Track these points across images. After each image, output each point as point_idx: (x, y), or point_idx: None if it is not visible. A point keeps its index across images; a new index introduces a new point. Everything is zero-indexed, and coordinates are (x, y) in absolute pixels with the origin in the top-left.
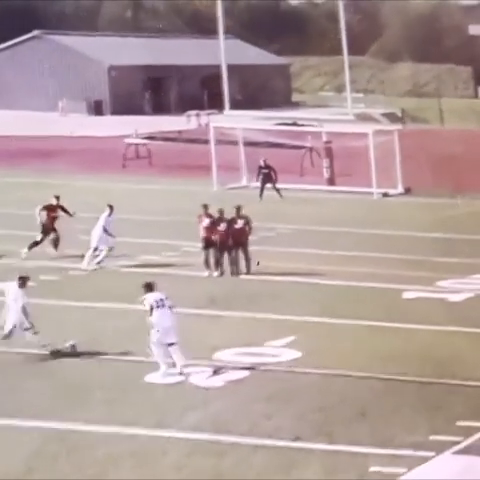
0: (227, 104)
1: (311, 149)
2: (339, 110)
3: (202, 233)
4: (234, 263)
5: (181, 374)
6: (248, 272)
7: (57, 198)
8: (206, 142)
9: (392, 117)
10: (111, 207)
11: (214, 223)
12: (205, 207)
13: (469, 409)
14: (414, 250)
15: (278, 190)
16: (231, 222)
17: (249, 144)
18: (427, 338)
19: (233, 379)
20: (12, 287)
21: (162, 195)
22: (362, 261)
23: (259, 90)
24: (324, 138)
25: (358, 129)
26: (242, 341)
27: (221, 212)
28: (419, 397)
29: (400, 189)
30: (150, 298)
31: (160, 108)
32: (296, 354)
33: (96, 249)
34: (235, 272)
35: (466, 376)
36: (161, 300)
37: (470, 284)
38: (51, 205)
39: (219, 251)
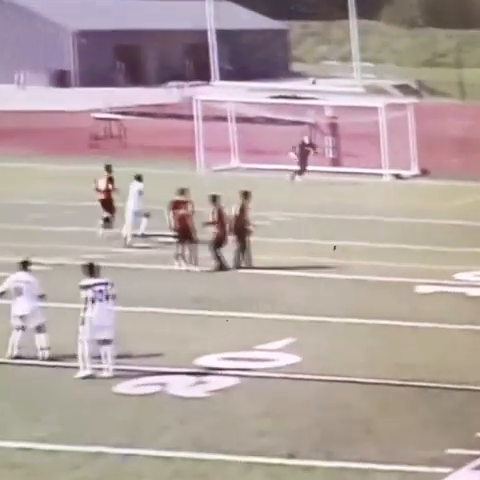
0: (216, 74)
1: (313, 126)
2: (346, 81)
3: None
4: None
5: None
6: (195, 263)
7: (108, 169)
8: (190, 118)
9: (406, 90)
10: (139, 178)
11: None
12: (182, 192)
13: None
14: (430, 239)
15: (302, 172)
16: (176, 206)
17: (241, 120)
18: (443, 338)
19: (219, 388)
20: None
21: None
22: (371, 253)
23: (253, 59)
24: (328, 113)
25: (367, 103)
26: (231, 344)
27: (183, 192)
28: (435, 406)
29: (415, 171)
30: (86, 282)
31: (136, 79)
32: (294, 359)
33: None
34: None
35: None
36: (100, 291)
37: None
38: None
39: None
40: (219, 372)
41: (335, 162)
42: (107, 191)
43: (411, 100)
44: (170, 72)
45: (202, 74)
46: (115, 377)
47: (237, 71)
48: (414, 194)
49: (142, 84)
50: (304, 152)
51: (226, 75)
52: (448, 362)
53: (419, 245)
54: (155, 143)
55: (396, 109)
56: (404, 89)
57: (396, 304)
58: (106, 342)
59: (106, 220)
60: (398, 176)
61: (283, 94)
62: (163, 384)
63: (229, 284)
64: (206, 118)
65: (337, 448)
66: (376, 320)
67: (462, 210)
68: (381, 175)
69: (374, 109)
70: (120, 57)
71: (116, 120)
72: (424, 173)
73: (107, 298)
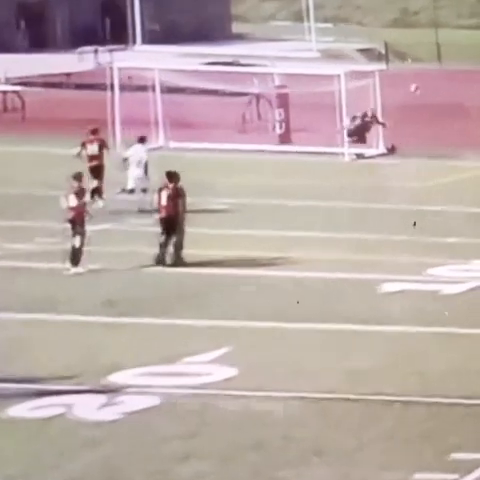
0: (138, 36)
1: (258, 97)
2: (298, 45)
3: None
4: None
5: None
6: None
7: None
8: (106, 88)
9: (372, 54)
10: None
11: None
12: (77, 177)
13: (467, 437)
14: (398, 228)
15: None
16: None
17: (169, 91)
18: (411, 344)
19: (136, 409)
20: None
21: (41, 161)
22: (327, 245)
23: (185, 17)
24: (277, 82)
25: (324, 70)
26: (152, 357)
27: (78, 176)
28: (399, 422)
29: (381, 149)
30: None
31: (41, 43)
32: (229, 372)
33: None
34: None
35: (463, 393)
36: None
37: (473, 271)
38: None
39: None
40: (136, 390)
41: (284, 139)
42: (98, 157)
43: (377, 66)
44: (84, 34)
45: (122, 36)
46: (8, 398)
47: (165, 32)
48: (379, 176)
49: (49, 49)
50: (365, 127)
51: (152, 37)
52: (416, 371)
53: (386, 235)
54: (62, 118)
55: (359, 77)
56: (369, 54)
57: (355, 305)
58: None
59: (94, 190)
60: (360, 155)
61: (222, 60)
62: (68, 405)
63: (151, 284)
64: (126, 88)
65: (280, 473)
66: (330, 324)
67: (435, 193)
68: (340, 154)
69: (332, 77)
70: (21, 16)
71: (14, 92)
72: (391, 151)
73: None
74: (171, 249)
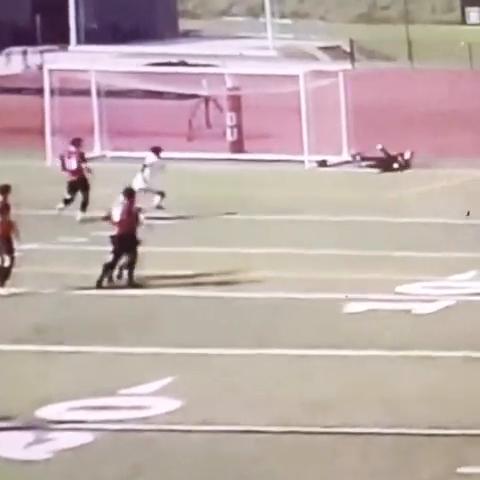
0: (73, 36)
1: (207, 100)
2: (253, 42)
3: None
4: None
5: None
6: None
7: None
8: (38, 92)
9: (336, 52)
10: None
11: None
12: (2, 191)
13: (438, 471)
14: (364, 243)
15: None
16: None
17: (109, 94)
18: (379, 369)
19: (68, 447)
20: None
21: None
22: (286, 262)
23: (126, 14)
24: (229, 83)
25: (282, 70)
26: (85, 389)
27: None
28: (367, 456)
29: (346, 156)
30: None
31: None
32: (173, 404)
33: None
34: None
35: (434, 423)
36: None
37: (448, 288)
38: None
39: None
40: (69, 426)
41: (237, 146)
42: (78, 170)
43: (342, 66)
44: (11, 34)
45: (55, 35)
46: None
47: (105, 31)
48: (344, 185)
49: None
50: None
51: (90, 37)
52: (384, 399)
53: (350, 250)
54: None
55: (322, 77)
56: (333, 52)
57: (316, 327)
58: None
59: (67, 201)
60: (323, 163)
61: (167, 60)
62: None
63: (85, 308)
64: (61, 93)
65: None
66: (287, 349)
67: (406, 204)
68: (300, 162)
69: (292, 78)
70: None
71: None
72: (356, 159)
73: None
74: (119, 270)
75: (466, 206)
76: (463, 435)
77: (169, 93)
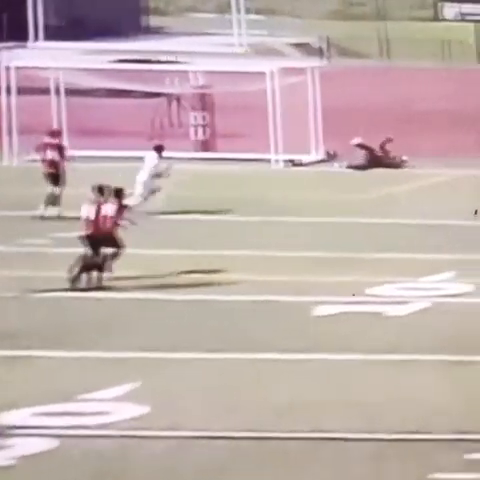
0: (31, 32)
1: (174, 98)
2: (223, 39)
3: None
4: None
5: None
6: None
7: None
8: None
9: (308, 49)
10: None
11: None
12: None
13: (412, 477)
14: (335, 244)
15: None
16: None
17: (73, 93)
18: (351, 374)
19: (31, 454)
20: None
21: None
22: (254, 264)
23: (90, 10)
24: (195, 81)
25: (252, 66)
26: (49, 394)
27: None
28: (340, 462)
29: (318, 155)
30: None
31: None
32: (139, 409)
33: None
34: None
35: (409, 428)
36: None
37: (422, 290)
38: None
39: None
40: (31, 432)
41: (206, 146)
42: (54, 162)
43: (314, 63)
44: None
45: (17, 32)
46: None
47: (68, 27)
48: (315, 185)
49: None
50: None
51: (53, 33)
52: (356, 403)
53: (320, 251)
54: None
55: (294, 75)
56: (305, 49)
57: (286, 331)
58: None
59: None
60: (295, 162)
61: (134, 57)
62: None
63: (51, 312)
64: (23, 91)
65: None
66: (256, 353)
67: (379, 205)
68: (272, 161)
69: (262, 75)
70: None
71: None
72: (331, 158)
73: None
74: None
75: (441, 206)
76: (435, 440)
77: (134, 91)
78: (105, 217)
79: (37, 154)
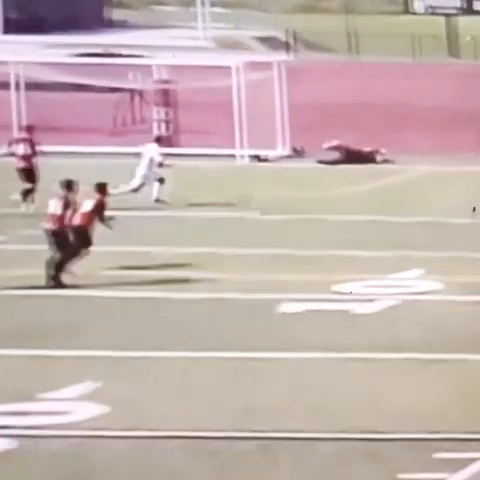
0: None
1: (136, 93)
2: (187, 32)
3: None
4: None
5: None
6: None
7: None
8: None
9: (275, 43)
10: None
11: None
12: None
13: (380, 476)
14: (300, 241)
15: None
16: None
17: (32, 87)
18: (315, 374)
19: None
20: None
21: None
22: (217, 262)
23: (51, 3)
24: (158, 76)
25: (215, 60)
26: (8, 394)
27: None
28: (298, 464)
29: (284, 150)
30: None
31: None
32: (99, 409)
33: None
34: None
35: (375, 428)
36: None
37: (390, 287)
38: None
39: None
40: None
41: (170, 141)
42: (27, 157)
43: (279, 57)
44: None
45: None
46: None
47: (28, 21)
48: (280, 182)
49: None
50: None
51: (12, 26)
52: (321, 405)
53: (285, 249)
54: None
55: (259, 69)
56: (271, 43)
57: (251, 330)
58: None
59: (27, 192)
60: (260, 158)
61: (94, 51)
62: None
63: (10, 310)
64: None
65: None
66: (217, 352)
67: (347, 200)
68: (236, 157)
69: (227, 70)
70: None
71: None
72: (298, 153)
73: None
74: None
75: (411, 203)
76: (403, 440)
77: (94, 86)
78: (77, 212)
79: (9, 148)
